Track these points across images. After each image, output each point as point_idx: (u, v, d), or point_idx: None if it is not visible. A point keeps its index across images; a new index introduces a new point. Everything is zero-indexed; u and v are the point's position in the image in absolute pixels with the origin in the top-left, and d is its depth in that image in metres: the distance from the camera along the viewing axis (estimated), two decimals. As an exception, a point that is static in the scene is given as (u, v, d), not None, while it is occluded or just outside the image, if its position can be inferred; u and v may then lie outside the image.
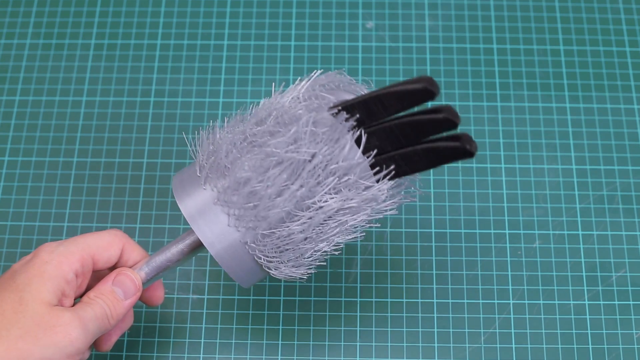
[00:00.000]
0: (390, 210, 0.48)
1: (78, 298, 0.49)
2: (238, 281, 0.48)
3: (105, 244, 0.48)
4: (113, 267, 0.50)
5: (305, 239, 0.46)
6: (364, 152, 0.45)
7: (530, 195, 0.63)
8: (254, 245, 0.46)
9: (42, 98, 0.68)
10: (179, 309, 0.59)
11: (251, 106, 0.50)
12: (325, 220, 0.46)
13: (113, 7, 0.72)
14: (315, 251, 0.47)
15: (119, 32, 0.71)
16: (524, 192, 0.63)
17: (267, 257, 0.47)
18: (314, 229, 0.46)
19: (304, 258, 0.47)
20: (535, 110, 0.67)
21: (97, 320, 0.46)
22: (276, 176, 0.44)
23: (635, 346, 0.58)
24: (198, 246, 0.49)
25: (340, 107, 0.45)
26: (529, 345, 0.58)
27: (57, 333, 0.44)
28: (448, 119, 0.44)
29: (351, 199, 0.45)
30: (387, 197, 0.47)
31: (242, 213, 0.45)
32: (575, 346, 0.58)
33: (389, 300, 0.59)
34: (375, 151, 0.46)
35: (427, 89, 0.43)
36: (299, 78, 0.50)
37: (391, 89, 0.44)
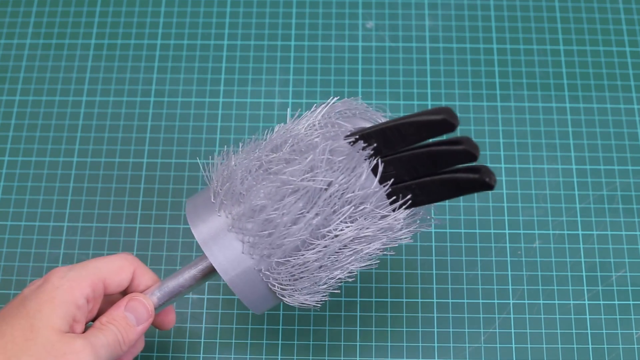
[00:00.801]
0: (406, 238, 0.47)
1: (90, 322, 0.48)
2: (251, 308, 0.48)
3: (117, 268, 0.48)
4: (124, 292, 0.50)
5: (320, 267, 0.45)
6: (380, 182, 0.45)
7: (530, 195, 0.63)
8: (268, 273, 0.46)
9: (42, 98, 0.68)
10: (179, 308, 0.59)
11: (266, 132, 0.50)
12: (341, 249, 0.45)
13: (113, 7, 0.72)
14: (329, 279, 0.47)
15: (119, 32, 0.71)
16: (524, 192, 0.63)
17: (282, 284, 0.46)
18: (329, 258, 0.45)
19: (319, 286, 0.47)
20: (535, 110, 0.67)
21: (109, 346, 0.45)
22: (292, 204, 0.44)
23: (635, 346, 0.58)
24: (211, 272, 0.49)
25: (357, 136, 0.45)
26: (529, 345, 0.58)
27: None
28: (467, 151, 0.43)
29: (367, 228, 0.45)
30: (402, 226, 0.46)
31: (257, 240, 0.45)
32: (575, 346, 0.58)
33: (388, 300, 0.59)
34: (392, 180, 0.45)
35: (446, 121, 0.43)
36: (315, 105, 0.50)
37: (410, 119, 0.44)
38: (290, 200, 0.44)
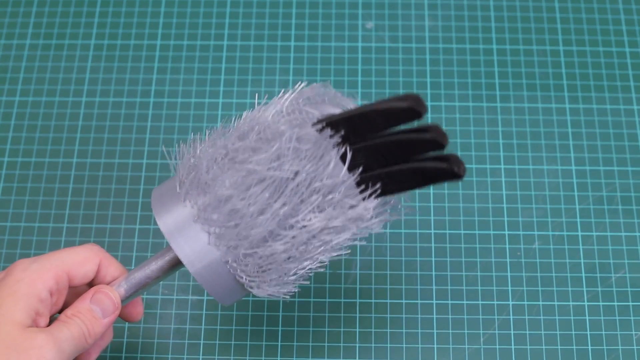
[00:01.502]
0: (376, 228, 0.46)
1: (55, 315, 0.47)
2: (218, 300, 0.47)
3: (81, 259, 0.46)
4: (91, 283, 0.49)
5: (289, 258, 0.45)
6: (349, 170, 0.44)
7: (529, 196, 0.63)
8: (235, 265, 0.45)
9: (41, 99, 0.68)
10: (178, 310, 0.59)
11: (233, 118, 0.49)
12: (309, 240, 0.44)
13: (113, 8, 0.72)
14: (299, 269, 0.46)
15: (118, 33, 0.71)
16: (524, 193, 0.63)
17: (249, 276, 0.45)
18: (297, 248, 0.44)
19: (288, 277, 0.46)
20: (535, 111, 0.67)
21: (73, 340, 0.44)
22: (258, 194, 0.43)
23: (635, 347, 0.58)
24: (178, 263, 0.48)
25: (325, 123, 0.44)
26: (528, 347, 0.58)
27: (31, 356, 0.42)
28: (435, 140, 0.42)
29: (336, 218, 0.44)
30: (372, 215, 0.45)
31: (223, 232, 0.44)
32: (574, 347, 0.58)
33: (388, 301, 0.59)
34: (360, 169, 0.44)
35: (413, 109, 0.42)
36: (283, 90, 0.49)
37: (377, 106, 0.43)
38: (257, 190, 0.43)
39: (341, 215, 0.44)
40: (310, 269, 0.46)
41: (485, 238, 0.62)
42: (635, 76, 0.68)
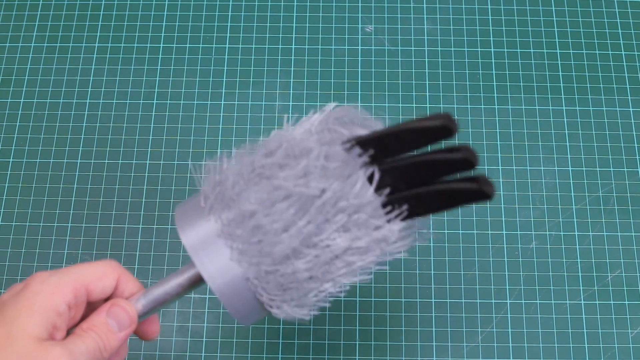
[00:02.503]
0: (401, 252, 0.45)
1: (72, 328, 0.47)
2: (238, 318, 0.45)
3: (100, 273, 0.45)
4: (108, 299, 0.48)
5: (310, 277, 0.43)
6: (376, 190, 0.43)
7: (527, 196, 0.63)
8: (256, 282, 0.43)
9: (46, 100, 0.68)
10: (181, 307, 0.59)
11: (262, 137, 0.48)
12: (332, 260, 0.43)
13: (116, 12, 0.72)
14: (319, 291, 0.44)
15: (122, 36, 0.71)
16: (521, 194, 0.63)
17: (270, 294, 0.44)
18: (319, 268, 0.43)
19: (308, 298, 0.44)
20: (532, 113, 0.67)
21: (88, 354, 0.43)
22: (283, 211, 0.42)
23: (631, 345, 0.58)
24: (198, 280, 0.47)
25: (353, 142, 0.43)
26: (525, 344, 0.58)
27: None
28: (466, 159, 0.41)
29: (360, 239, 0.42)
30: (397, 238, 0.44)
31: (246, 247, 0.43)
32: (571, 345, 0.58)
33: (387, 299, 0.60)
34: (388, 190, 0.43)
35: (445, 127, 0.41)
36: (312, 110, 0.48)
37: (408, 125, 0.42)
38: (282, 206, 0.42)
39: (366, 236, 0.42)
40: (330, 292, 0.45)
41: (484, 237, 0.62)
42: (631, 78, 0.68)
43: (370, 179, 0.43)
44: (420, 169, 0.42)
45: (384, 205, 0.43)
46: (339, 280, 0.44)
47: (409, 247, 0.48)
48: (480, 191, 0.41)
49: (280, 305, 0.44)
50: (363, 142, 0.43)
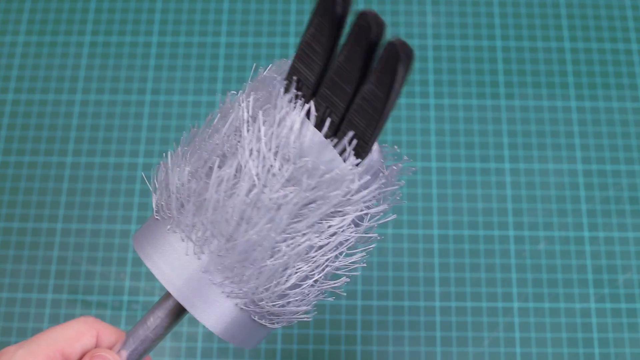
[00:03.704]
0: (383, 212, 0.40)
1: None
2: (245, 346, 0.42)
3: (75, 334, 0.43)
4: None
5: (285, 265, 0.39)
6: (317, 126, 0.38)
7: (534, 196, 0.63)
8: (252, 307, 0.40)
9: (35, 96, 0.67)
10: (176, 312, 0.59)
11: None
12: (303, 233, 0.38)
13: (108, 4, 0.71)
14: (308, 277, 0.40)
15: (113, 29, 0.70)
16: (529, 193, 0.63)
17: (266, 310, 0.41)
18: (282, 234, 0.38)
19: (300, 297, 0.41)
20: (540, 109, 0.66)
21: None
22: (225, 175, 0.38)
23: (643, 350, 0.58)
24: (182, 312, 0.43)
25: (283, 80, 0.39)
26: (533, 350, 0.57)
27: None
28: (363, 25, 0.35)
29: (315, 187, 0.37)
30: (356, 176, 0.38)
31: (236, 283, 0.39)
32: (581, 350, 0.57)
33: (390, 303, 0.59)
34: (329, 120, 0.38)
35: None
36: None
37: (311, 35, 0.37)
38: (221, 171, 0.38)
39: (319, 183, 0.37)
40: (318, 280, 0.40)
41: (490, 239, 0.61)
42: (642, 73, 0.68)
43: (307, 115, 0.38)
44: (344, 69, 0.37)
45: (329, 138, 0.38)
46: (325, 263, 0.40)
47: (385, 203, 0.42)
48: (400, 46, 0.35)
49: (280, 315, 0.41)
50: (288, 76, 0.38)
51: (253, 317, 0.41)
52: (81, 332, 0.43)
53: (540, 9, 0.71)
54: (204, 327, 0.58)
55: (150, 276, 0.60)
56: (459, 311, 0.59)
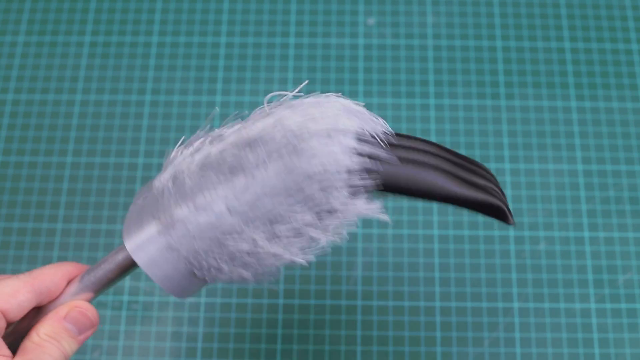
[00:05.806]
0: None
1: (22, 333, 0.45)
2: (175, 294, 0.43)
3: (10, 291, 0.43)
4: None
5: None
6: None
7: (535, 196, 0.62)
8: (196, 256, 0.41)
9: (35, 96, 0.67)
10: (176, 312, 0.59)
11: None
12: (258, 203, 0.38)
13: (108, 4, 0.71)
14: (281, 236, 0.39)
15: (113, 29, 0.70)
16: (529, 193, 0.63)
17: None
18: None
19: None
20: (540, 109, 0.66)
21: None
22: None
23: (643, 351, 0.57)
24: (133, 265, 0.45)
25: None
26: (533, 350, 0.57)
27: None
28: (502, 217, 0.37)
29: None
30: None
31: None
32: (581, 351, 0.57)
33: (390, 303, 0.59)
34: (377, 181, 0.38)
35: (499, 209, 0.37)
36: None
37: (455, 190, 0.37)
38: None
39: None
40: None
41: (490, 239, 0.61)
42: (643, 73, 0.68)
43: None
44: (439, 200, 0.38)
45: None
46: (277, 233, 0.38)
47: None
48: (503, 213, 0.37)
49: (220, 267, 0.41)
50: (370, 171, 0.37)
51: (182, 260, 0.41)
52: (16, 289, 0.43)
53: (541, 9, 0.71)
54: (204, 327, 0.58)
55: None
56: (459, 311, 0.58)
